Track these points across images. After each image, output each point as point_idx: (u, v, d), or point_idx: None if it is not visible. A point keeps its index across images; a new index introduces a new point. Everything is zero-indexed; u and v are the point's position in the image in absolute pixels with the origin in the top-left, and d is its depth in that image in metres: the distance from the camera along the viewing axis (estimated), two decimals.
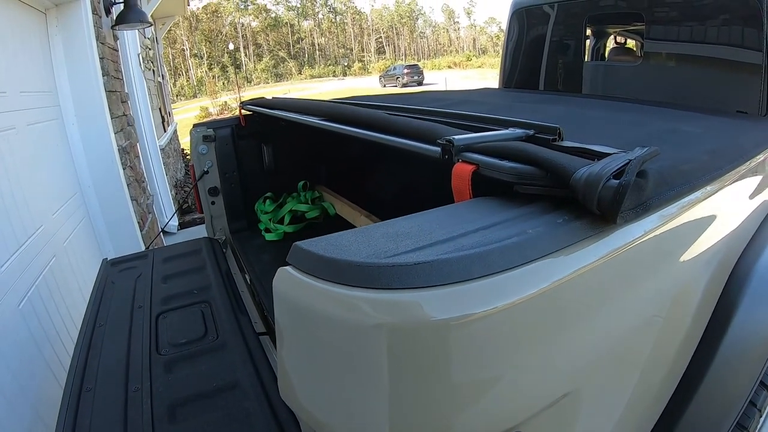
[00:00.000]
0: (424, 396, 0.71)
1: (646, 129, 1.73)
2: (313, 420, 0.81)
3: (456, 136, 1.13)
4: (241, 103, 2.89)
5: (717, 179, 1.32)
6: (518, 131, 1.22)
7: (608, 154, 0.98)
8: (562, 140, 1.16)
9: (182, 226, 6.73)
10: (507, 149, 1.05)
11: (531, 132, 1.22)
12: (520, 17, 3.94)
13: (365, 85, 45.93)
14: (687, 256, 1.22)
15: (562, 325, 0.84)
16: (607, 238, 0.89)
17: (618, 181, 0.82)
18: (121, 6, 4.57)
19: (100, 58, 4.12)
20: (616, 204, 0.82)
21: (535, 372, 0.81)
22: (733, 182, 1.48)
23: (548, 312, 0.79)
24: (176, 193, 7.92)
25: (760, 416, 1.60)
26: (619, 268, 0.94)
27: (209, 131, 2.93)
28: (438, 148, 1.16)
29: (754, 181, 1.74)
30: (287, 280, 0.78)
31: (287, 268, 0.79)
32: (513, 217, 0.88)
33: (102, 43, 4.32)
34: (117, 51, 5.08)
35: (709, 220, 1.32)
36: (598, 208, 0.84)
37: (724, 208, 1.43)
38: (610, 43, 5.30)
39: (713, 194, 1.31)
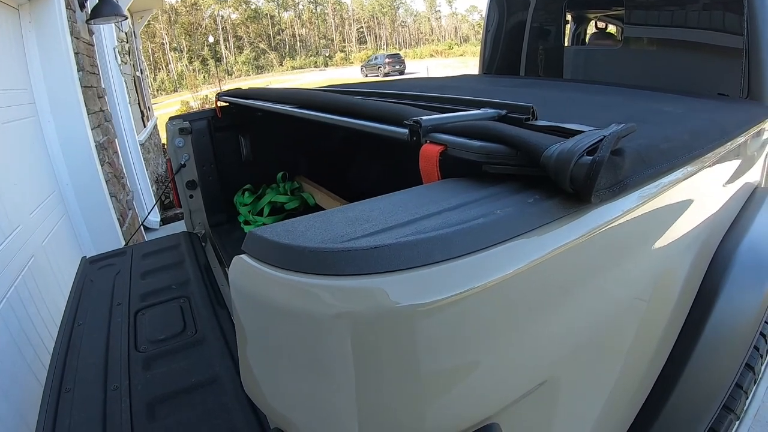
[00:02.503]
0: (391, 387, 0.69)
1: (626, 109, 1.73)
2: (278, 416, 0.78)
3: (424, 117, 1.10)
4: (218, 94, 2.85)
5: (698, 159, 1.31)
6: (490, 111, 1.19)
7: (582, 132, 0.95)
8: (535, 119, 1.14)
9: (164, 221, 6.69)
10: (476, 128, 1.02)
11: (503, 112, 1.19)
12: (499, 3, 3.93)
13: (347, 75, 45.87)
14: (668, 237, 1.21)
15: (535, 309, 0.81)
16: (582, 218, 0.87)
17: (591, 157, 0.80)
18: (96, 0, 4.51)
19: (75, 53, 4.07)
20: (590, 181, 0.79)
21: (508, 360, 0.78)
22: (715, 163, 1.47)
23: (519, 296, 0.77)
24: (157, 189, 7.85)
25: (746, 398, 1.61)
26: (596, 249, 0.92)
27: (185, 124, 2.89)
28: (405, 130, 1.13)
29: (735, 162, 1.74)
30: (242, 269, 0.75)
31: (242, 256, 0.76)
32: (481, 197, 0.86)
33: (77, 38, 4.26)
34: (92, 46, 5.02)
35: (691, 200, 1.31)
36: (571, 187, 0.81)
37: (706, 189, 1.43)
38: (591, 28, 5.31)
39: (694, 174, 1.30)
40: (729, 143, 1.56)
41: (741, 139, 1.73)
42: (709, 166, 1.43)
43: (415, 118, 1.09)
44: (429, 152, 1.03)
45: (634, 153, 0.99)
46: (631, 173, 0.97)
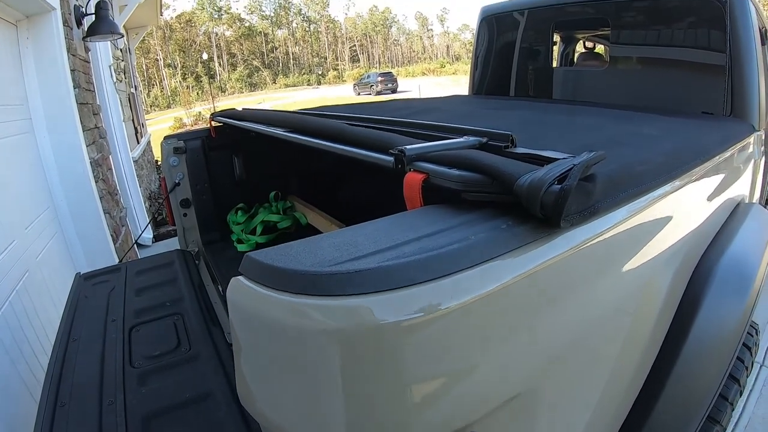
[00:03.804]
0: (375, 397, 0.74)
1: (606, 132, 1.77)
2: (272, 426, 0.83)
3: (408, 146, 1.14)
4: (212, 114, 2.89)
5: (673, 180, 1.36)
6: (471, 139, 1.25)
7: (556, 160, 1.00)
8: (514, 147, 1.19)
9: (157, 238, 6.68)
10: (456, 158, 1.07)
11: (484, 140, 1.24)
12: (489, 24, 3.99)
13: (339, 93, 45.79)
14: (645, 255, 1.25)
15: (507, 327, 0.86)
16: (552, 242, 0.91)
17: (560, 186, 0.85)
18: (93, 17, 4.55)
19: (71, 70, 4.10)
20: (559, 208, 0.84)
21: (483, 372, 0.83)
22: (693, 181, 1.51)
23: (490, 315, 0.82)
24: (150, 205, 7.85)
25: (732, 410, 1.64)
26: (567, 270, 0.96)
27: (180, 143, 2.93)
28: (391, 158, 1.17)
29: (716, 179, 1.77)
30: (240, 289, 0.80)
31: (239, 278, 0.81)
32: (458, 224, 0.91)
33: (73, 55, 4.29)
34: (88, 63, 5.05)
35: (667, 219, 1.35)
36: (541, 213, 0.86)
37: (683, 208, 1.46)
38: (580, 48, 5.38)
39: (670, 194, 1.34)
40: (706, 163, 1.61)
41: (722, 157, 1.78)
42: (687, 184, 1.47)
43: (400, 147, 1.14)
44: (412, 180, 1.08)
45: (605, 178, 1.04)
46: (602, 197, 1.02)
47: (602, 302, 1.12)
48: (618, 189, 1.10)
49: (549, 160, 1.01)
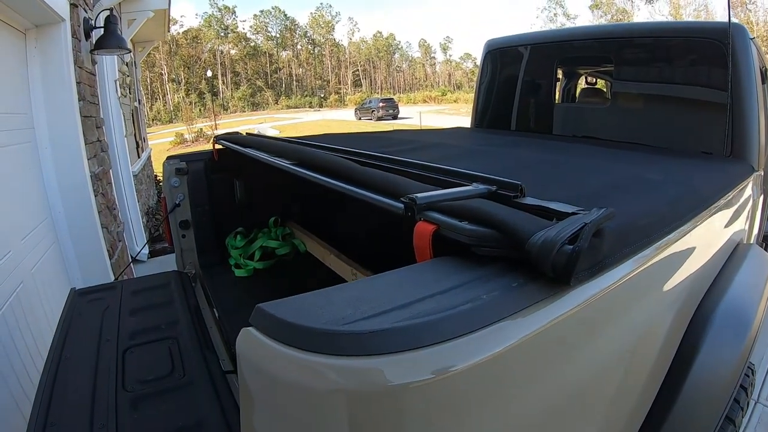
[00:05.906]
0: None
1: (610, 177, 1.77)
2: None
3: (419, 194, 1.13)
4: (215, 137, 2.89)
5: (676, 230, 1.37)
6: (480, 187, 1.23)
7: (566, 214, 1.01)
8: (524, 197, 1.19)
9: (153, 254, 6.65)
10: (467, 209, 1.06)
11: (493, 188, 1.23)
12: (493, 57, 4.02)
13: (341, 117, 45.93)
14: (646, 306, 1.26)
15: (515, 384, 0.86)
16: (561, 299, 0.91)
17: (572, 246, 0.85)
18: (101, 31, 4.58)
19: (77, 82, 4.09)
20: (570, 268, 0.85)
21: (490, 428, 0.82)
22: (694, 228, 1.52)
23: (500, 374, 0.81)
24: (148, 221, 7.83)
25: None
26: (574, 326, 0.97)
27: (182, 164, 2.94)
28: (401, 205, 1.16)
29: (717, 224, 1.79)
30: (249, 341, 0.79)
31: (250, 329, 0.80)
32: (469, 280, 0.90)
33: (80, 67, 4.29)
34: (94, 76, 5.05)
35: (668, 268, 1.36)
36: (552, 272, 0.86)
37: (684, 255, 1.48)
38: (582, 83, 5.42)
39: (672, 243, 1.35)
40: (708, 209, 1.62)
41: (722, 201, 1.79)
42: (690, 231, 1.48)
43: (411, 196, 1.12)
44: (423, 231, 1.06)
45: (613, 234, 1.04)
46: (609, 253, 1.03)
47: (604, 352, 1.12)
48: (624, 243, 1.11)
49: (559, 214, 1.03)
